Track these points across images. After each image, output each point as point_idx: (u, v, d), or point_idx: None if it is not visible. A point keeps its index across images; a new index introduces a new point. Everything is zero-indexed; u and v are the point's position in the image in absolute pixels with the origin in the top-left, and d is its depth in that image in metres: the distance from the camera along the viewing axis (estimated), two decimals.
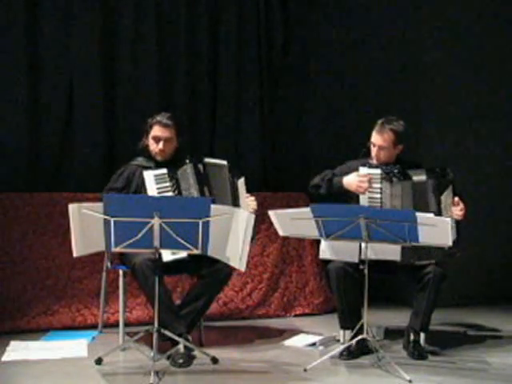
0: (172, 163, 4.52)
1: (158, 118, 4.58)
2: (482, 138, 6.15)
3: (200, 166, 4.51)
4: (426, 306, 4.39)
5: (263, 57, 6.55)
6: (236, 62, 6.44)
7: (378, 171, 4.51)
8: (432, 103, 6.02)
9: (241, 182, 4.58)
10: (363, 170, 4.53)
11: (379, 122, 4.57)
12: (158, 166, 4.52)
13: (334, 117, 6.58)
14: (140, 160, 4.62)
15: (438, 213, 4.41)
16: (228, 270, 4.41)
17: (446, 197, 4.48)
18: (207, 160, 4.57)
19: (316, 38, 6.68)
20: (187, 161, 4.50)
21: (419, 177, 4.52)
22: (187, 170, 4.47)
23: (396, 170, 4.51)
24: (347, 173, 4.60)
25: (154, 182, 4.40)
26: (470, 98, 6.11)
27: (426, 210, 4.30)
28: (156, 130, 4.55)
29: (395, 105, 5.98)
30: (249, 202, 4.57)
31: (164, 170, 4.44)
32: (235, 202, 4.50)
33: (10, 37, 5.63)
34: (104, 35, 5.93)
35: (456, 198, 4.48)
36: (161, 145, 4.52)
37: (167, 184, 4.42)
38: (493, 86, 6.17)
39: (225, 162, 4.59)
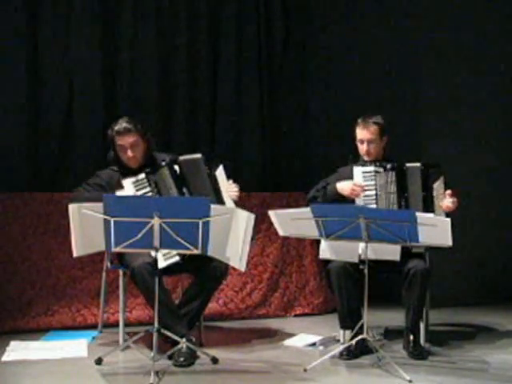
0: (148, 166, 4.44)
1: (116, 127, 4.45)
2: (481, 138, 6.15)
3: (176, 167, 4.42)
4: (413, 303, 4.37)
5: (263, 57, 6.56)
6: (236, 63, 6.44)
7: (372, 168, 4.56)
8: (432, 103, 6.02)
9: (219, 172, 4.47)
10: (357, 169, 4.57)
11: (359, 119, 4.67)
12: (135, 172, 4.43)
13: (333, 116, 6.58)
14: (114, 167, 4.55)
15: (430, 199, 4.46)
16: (223, 268, 4.39)
17: (438, 186, 4.51)
18: (182, 158, 4.46)
19: (316, 38, 6.69)
20: (163, 163, 4.42)
21: (412, 163, 4.57)
22: (164, 174, 4.39)
23: (389, 165, 4.56)
24: (339, 180, 4.65)
25: (133, 188, 4.35)
26: (470, 98, 6.11)
27: (419, 195, 4.43)
28: (118, 140, 4.44)
29: (395, 105, 5.98)
30: (230, 189, 4.47)
31: (142, 176, 4.38)
32: (217, 195, 4.41)
33: (10, 37, 5.63)
34: (104, 35, 5.94)
35: (449, 191, 4.50)
36: (129, 152, 4.43)
37: (147, 189, 4.37)
38: (493, 86, 6.17)
39: (198, 155, 4.47)
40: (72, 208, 3.84)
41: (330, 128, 6.59)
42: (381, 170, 4.55)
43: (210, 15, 6.36)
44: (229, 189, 4.48)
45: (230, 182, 4.52)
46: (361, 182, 4.54)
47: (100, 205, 3.79)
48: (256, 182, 6.30)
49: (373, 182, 4.55)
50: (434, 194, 4.50)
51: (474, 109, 6.12)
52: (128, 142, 4.43)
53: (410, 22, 6.05)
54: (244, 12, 6.48)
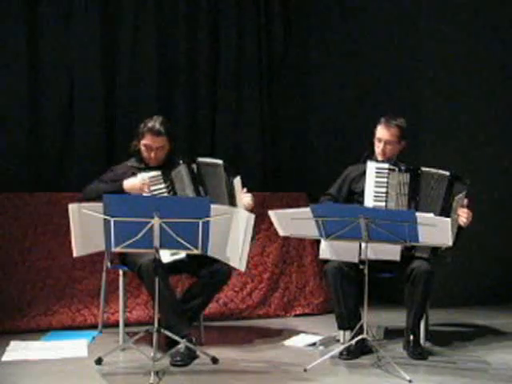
0: (165, 165, 4.48)
1: (150, 124, 4.46)
2: (482, 139, 6.14)
3: (194, 166, 4.46)
4: (416, 303, 4.37)
5: (263, 56, 6.56)
6: (236, 62, 6.45)
7: (386, 165, 4.54)
8: (432, 104, 6.01)
9: (237, 181, 4.52)
10: (371, 164, 4.55)
11: (383, 118, 4.64)
12: (151, 168, 4.47)
13: (334, 117, 6.58)
14: (133, 161, 4.57)
15: (449, 210, 4.43)
16: (227, 272, 4.41)
17: (459, 199, 4.48)
18: (201, 160, 4.51)
19: (316, 38, 6.69)
20: (181, 161, 4.45)
21: (436, 170, 4.53)
22: (181, 171, 4.43)
23: (404, 167, 4.54)
24: (350, 178, 4.67)
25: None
26: (470, 99, 6.10)
27: (435, 204, 4.42)
28: (148, 139, 4.45)
29: (396, 104, 5.98)
30: (244, 198, 4.52)
31: (158, 172, 4.41)
32: (231, 201, 4.46)
33: (10, 37, 5.63)
34: (104, 35, 5.95)
35: (466, 200, 4.49)
36: (153, 154, 4.46)
37: (162, 186, 4.39)
38: (493, 87, 6.17)
39: (220, 161, 4.52)
40: (72, 208, 3.84)
41: (330, 128, 6.59)
42: (395, 169, 4.53)
43: (210, 15, 6.37)
44: (243, 198, 4.52)
45: (245, 190, 4.56)
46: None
47: (100, 205, 3.79)
48: (256, 182, 6.30)
49: (385, 180, 4.52)
50: (454, 205, 4.46)
51: (474, 110, 6.12)
52: (155, 145, 4.45)
53: (411, 23, 6.05)
54: (244, 11, 6.49)
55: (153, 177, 4.40)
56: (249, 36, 6.51)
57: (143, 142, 4.47)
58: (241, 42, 6.47)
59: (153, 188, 4.37)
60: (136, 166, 4.53)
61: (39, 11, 5.75)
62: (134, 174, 4.43)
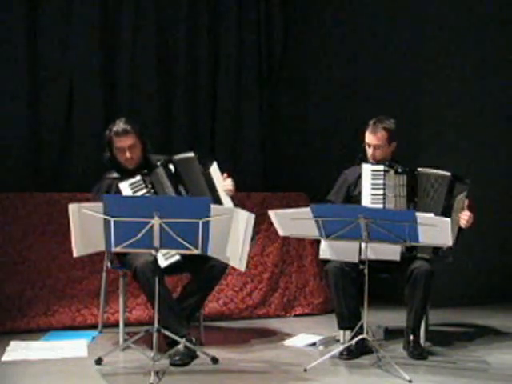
0: (143, 168, 4.47)
1: (114, 128, 4.48)
2: (481, 139, 6.15)
3: (171, 166, 4.46)
4: (416, 302, 4.37)
5: (263, 57, 6.57)
6: (236, 63, 6.45)
7: (381, 167, 4.54)
8: (432, 105, 6.01)
9: (213, 169, 4.51)
10: (366, 167, 4.55)
11: (371, 122, 4.64)
12: (131, 174, 4.45)
13: (333, 117, 6.58)
14: (112, 172, 4.55)
15: (450, 210, 4.42)
16: (222, 267, 4.41)
17: (460, 199, 4.47)
18: (176, 157, 4.51)
19: (316, 39, 6.69)
20: (158, 163, 4.45)
21: (435, 171, 4.52)
22: (159, 174, 4.43)
23: (400, 168, 4.53)
24: (348, 182, 4.67)
25: (130, 191, 4.37)
26: (470, 99, 6.10)
27: (437, 205, 4.42)
28: (117, 142, 4.46)
29: (395, 106, 5.98)
30: (225, 185, 4.51)
31: (138, 177, 4.41)
32: (213, 193, 4.45)
33: (10, 37, 5.64)
34: (104, 35, 5.95)
35: (467, 201, 4.49)
36: (127, 154, 4.45)
37: (144, 191, 4.39)
38: (493, 87, 6.17)
39: (191, 154, 4.52)
40: (72, 208, 3.84)
41: (329, 128, 6.59)
42: (391, 170, 4.53)
43: (210, 16, 6.37)
44: (224, 184, 4.51)
45: (225, 175, 4.55)
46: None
47: (100, 205, 3.79)
48: (256, 182, 6.30)
49: (381, 181, 4.52)
50: (455, 205, 4.46)
51: (474, 113, 6.12)
52: (126, 144, 4.46)
53: (411, 25, 6.05)
54: (244, 13, 6.49)
55: (133, 183, 4.40)
56: (249, 35, 6.52)
57: (115, 146, 4.48)
58: (241, 42, 6.47)
59: (137, 194, 4.36)
60: (117, 176, 4.51)
61: (39, 11, 5.75)
62: (117, 186, 4.41)
